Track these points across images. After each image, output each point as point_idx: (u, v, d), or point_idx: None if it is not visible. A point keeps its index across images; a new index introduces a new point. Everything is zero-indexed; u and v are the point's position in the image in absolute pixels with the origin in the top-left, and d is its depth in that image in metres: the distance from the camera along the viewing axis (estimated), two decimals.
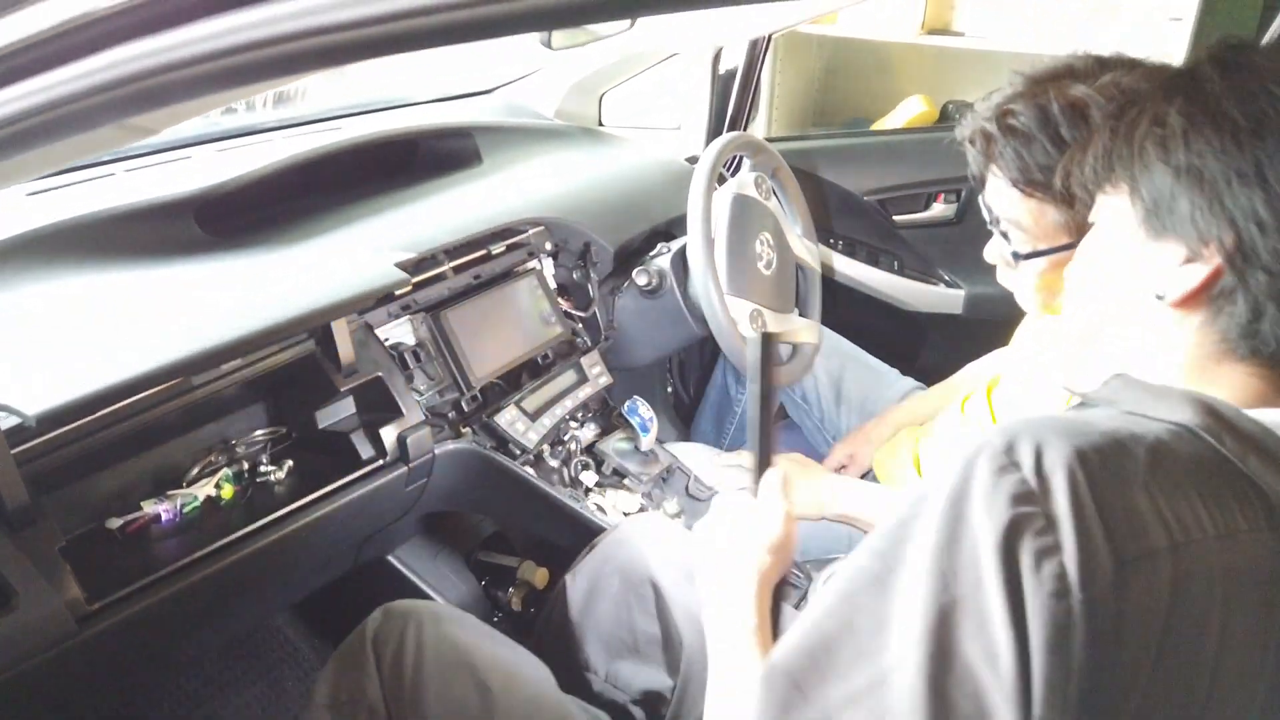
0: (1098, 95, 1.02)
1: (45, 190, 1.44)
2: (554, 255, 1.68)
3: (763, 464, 0.89)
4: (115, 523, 1.09)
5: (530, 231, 1.61)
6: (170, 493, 1.12)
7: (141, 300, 1.19)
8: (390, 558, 1.64)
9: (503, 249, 1.55)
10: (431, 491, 1.38)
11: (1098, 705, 0.51)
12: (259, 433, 1.26)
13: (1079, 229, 0.98)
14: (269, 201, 1.46)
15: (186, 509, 1.12)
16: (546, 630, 1.26)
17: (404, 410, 1.29)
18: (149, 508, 1.11)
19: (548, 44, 1.38)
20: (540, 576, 1.58)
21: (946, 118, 2.62)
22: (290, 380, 1.25)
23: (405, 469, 1.28)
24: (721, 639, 0.80)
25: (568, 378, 1.57)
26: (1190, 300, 0.63)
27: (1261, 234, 0.59)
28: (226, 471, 1.17)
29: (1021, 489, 0.52)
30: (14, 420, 0.94)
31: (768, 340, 0.87)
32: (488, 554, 1.65)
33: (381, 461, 1.26)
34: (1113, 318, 0.70)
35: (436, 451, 1.32)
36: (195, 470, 1.18)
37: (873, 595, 0.56)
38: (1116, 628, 0.51)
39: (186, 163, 1.59)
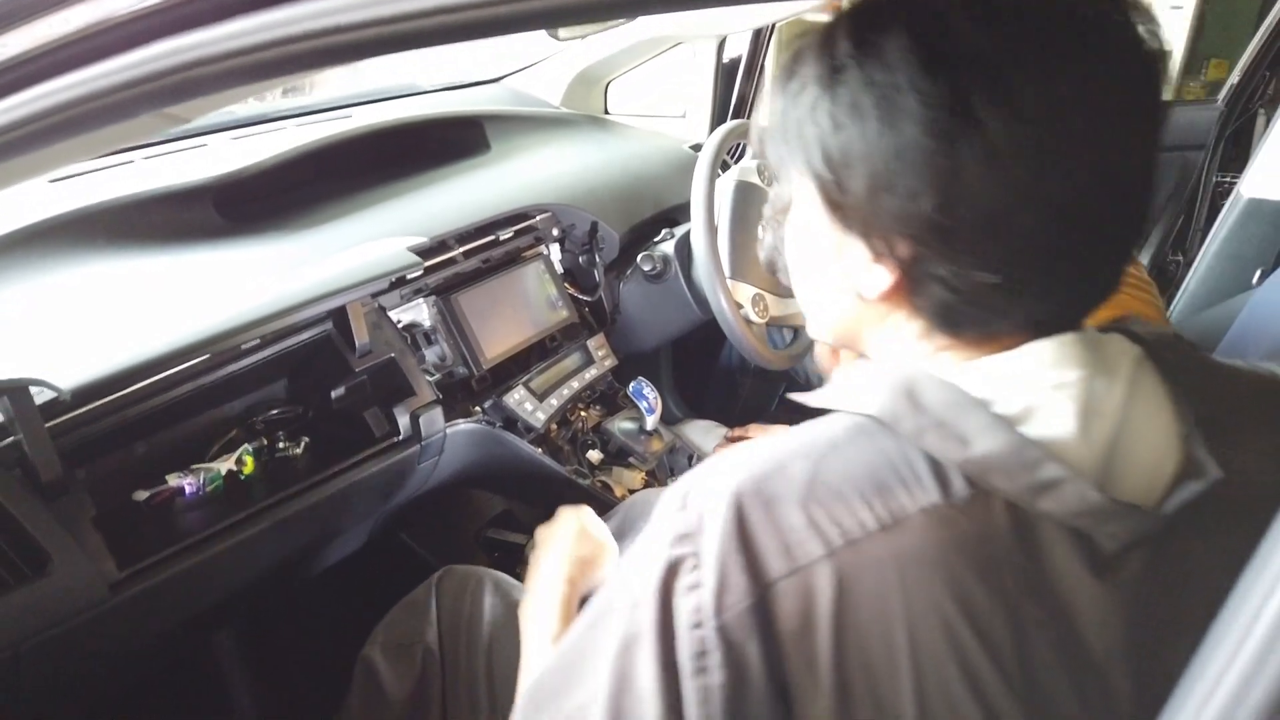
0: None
1: (68, 177, 1.49)
2: (560, 241, 1.72)
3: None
4: (142, 495, 1.13)
5: (538, 217, 1.65)
6: (194, 466, 1.17)
7: (164, 282, 1.24)
8: (403, 535, 1.69)
9: (510, 234, 1.59)
10: (443, 469, 1.42)
11: (769, 710, 0.56)
12: (277, 411, 1.31)
13: None
14: (284, 188, 1.50)
15: (209, 483, 1.17)
16: None
17: (416, 390, 1.34)
18: (174, 481, 1.16)
19: (554, 34, 1.42)
20: None
21: None
22: (307, 361, 1.30)
23: (418, 446, 1.33)
24: (528, 640, 0.90)
25: (574, 360, 1.61)
26: (889, 295, 0.61)
27: (935, 254, 0.57)
28: (247, 447, 1.22)
29: (683, 529, 0.58)
30: (48, 395, 0.99)
31: None
32: (497, 531, 1.70)
33: (395, 439, 1.31)
34: (824, 306, 0.69)
35: (447, 430, 1.37)
36: (217, 447, 1.23)
37: (594, 625, 0.63)
38: (766, 644, 0.55)
39: (203, 150, 1.63)
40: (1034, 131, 0.53)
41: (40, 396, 0.99)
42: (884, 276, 0.60)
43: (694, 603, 0.56)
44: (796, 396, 0.69)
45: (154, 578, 1.05)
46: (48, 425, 1.00)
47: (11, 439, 0.99)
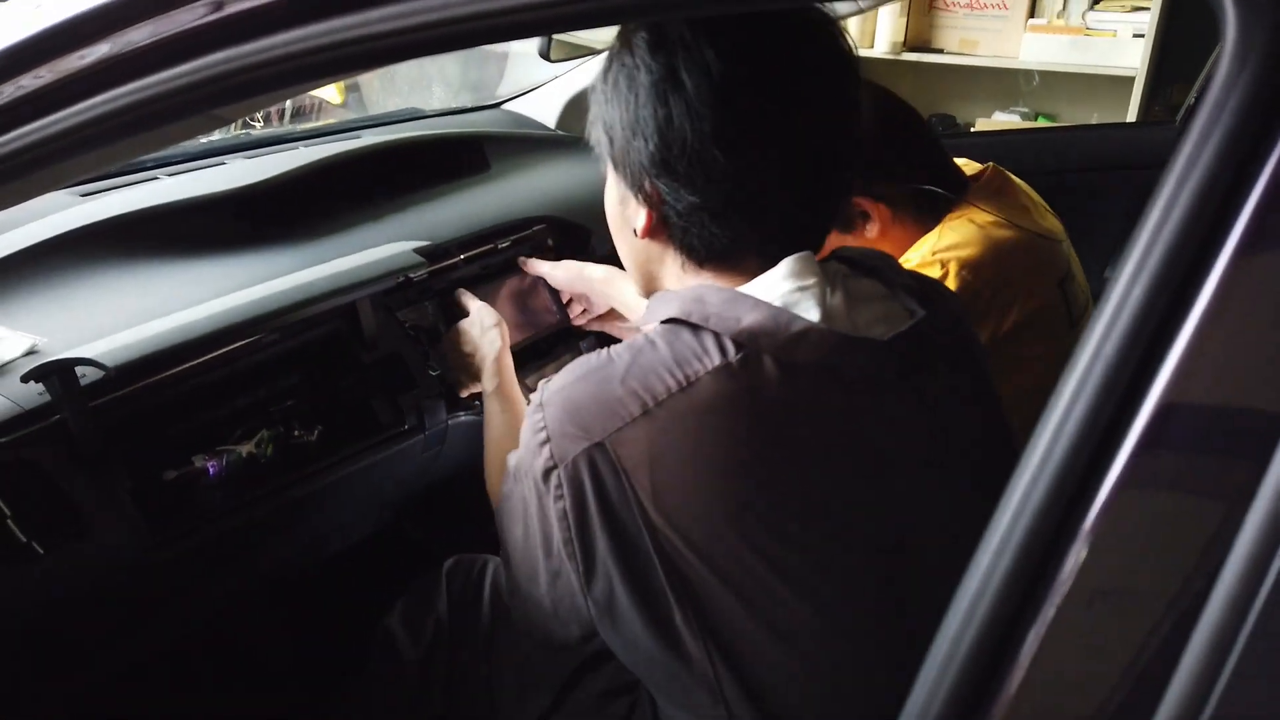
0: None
1: (97, 192, 1.61)
2: (555, 250, 1.83)
3: None
4: (171, 474, 1.24)
5: (534, 228, 1.77)
6: (218, 449, 1.28)
7: (189, 282, 1.35)
8: (406, 528, 1.79)
9: (509, 243, 1.71)
10: (445, 459, 1.53)
11: (614, 526, 0.77)
12: (292, 402, 1.42)
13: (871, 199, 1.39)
14: (298, 200, 1.62)
15: (231, 464, 1.28)
16: None
17: (420, 383, 1.45)
18: (199, 462, 1.26)
19: (546, 56, 1.54)
20: None
21: None
22: (320, 354, 1.41)
23: (421, 436, 1.44)
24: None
25: (569, 358, 1.72)
26: (652, 233, 0.85)
27: (665, 185, 0.81)
28: (265, 432, 1.33)
29: (538, 419, 0.80)
30: (91, 378, 1.10)
31: None
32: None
33: (400, 428, 1.42)
34: (621, 247, 0.95)
35: (449, 421, 1.48)
36: (238, 433, 1.34)
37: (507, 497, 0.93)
38: (598, 483, 0.77)
39: (222, 169, 1.75)
40: (722, 92, 0.75)
41: (83, 379, 1.10)
42: (642, 214, 0.84)
43: (547, 454, 0.79)
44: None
45: (183, 545, 1.16)
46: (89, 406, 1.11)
47: (57, 416, 1.10)
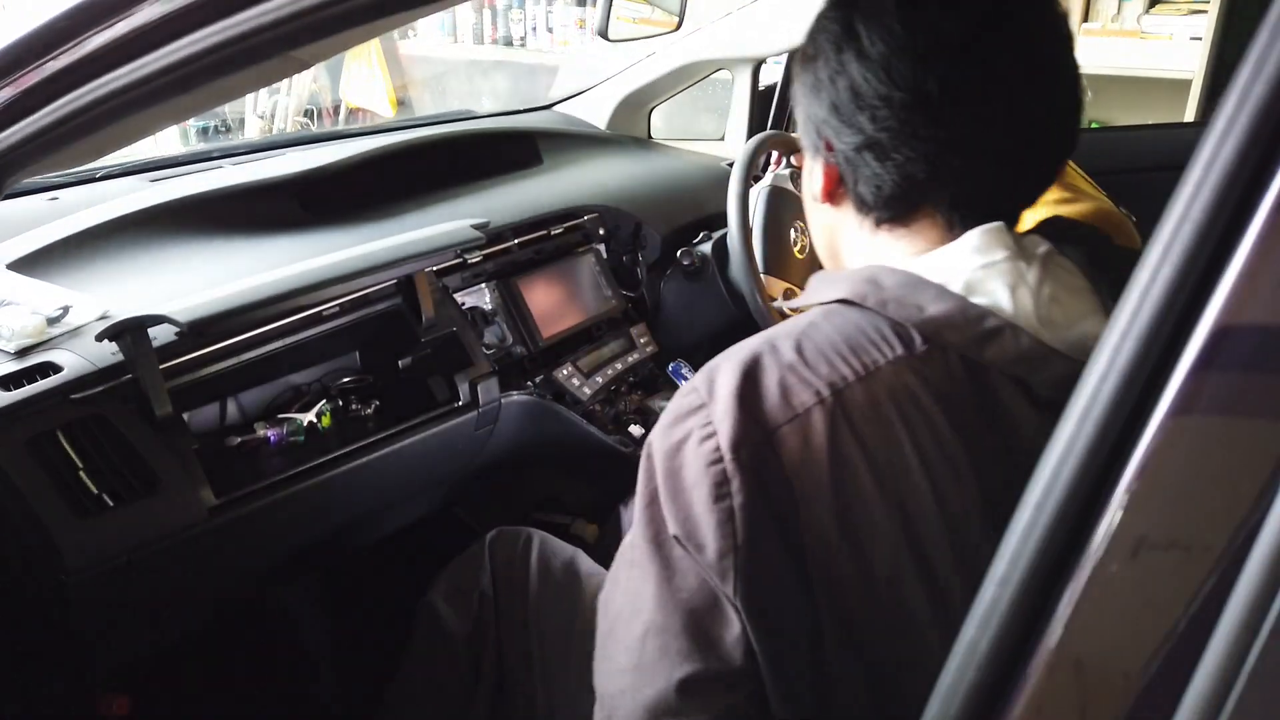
0: None
1: (165, 178, 1.67)
2: (606, 240, 1.85)
3: None
4: (234, 440, 1.27)
5: (586, 217, 1.79)
6: (279, 417, 1.30)
7: (251, 258, 1.39)
8: (457, 511, 1.81)
9: (561, 230, 1.73)
10: (498, 438, 1.55)
11: (781, 532, 0.66)
12: (350, 379, 1.45)
13: None
14: (358, 186, 1.66)
15: (292, 433, 1.31)
16: (599, 557, 1.41)
17: (475, 362, 1.47)
18: (261, 431, 1.29)
19: (604, 35, 1.57)
20: (591, 532, 1.73)
21: None
22: (378, 332, 1.44)
23: (475, 413, 1.46)
24: None
25: (618, 344, 1.74)
26: (831, 194, 0.79)
27: (831, 129, 0.75)
28: (325, 405, 1.35)
29: (696, 403, 0.70)
30: (165, 340, 1.13)
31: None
32: (543, 513, 1.82)
33: (455, 405, 1.44)
34: (812, 223, 0.87)
35: (502, 400, 1.49)
36: (298, 405, 1.37)
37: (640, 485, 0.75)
38: (777, 475, 0.66)
39: (282, 158, 1.80)
40: (891, 42, 0.70)
41: (155, 342, 1.14)
42: (820, 174, 0.78)
43: (711, 446, 0.67)
44: (782, 304, 0.86)
45: (245, 507, 1.19)
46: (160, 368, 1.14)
47: (128, 376, 1.13)
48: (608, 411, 1.69)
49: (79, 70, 0.82)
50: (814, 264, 1.88)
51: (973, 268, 0.71)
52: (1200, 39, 2.76)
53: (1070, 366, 0.67)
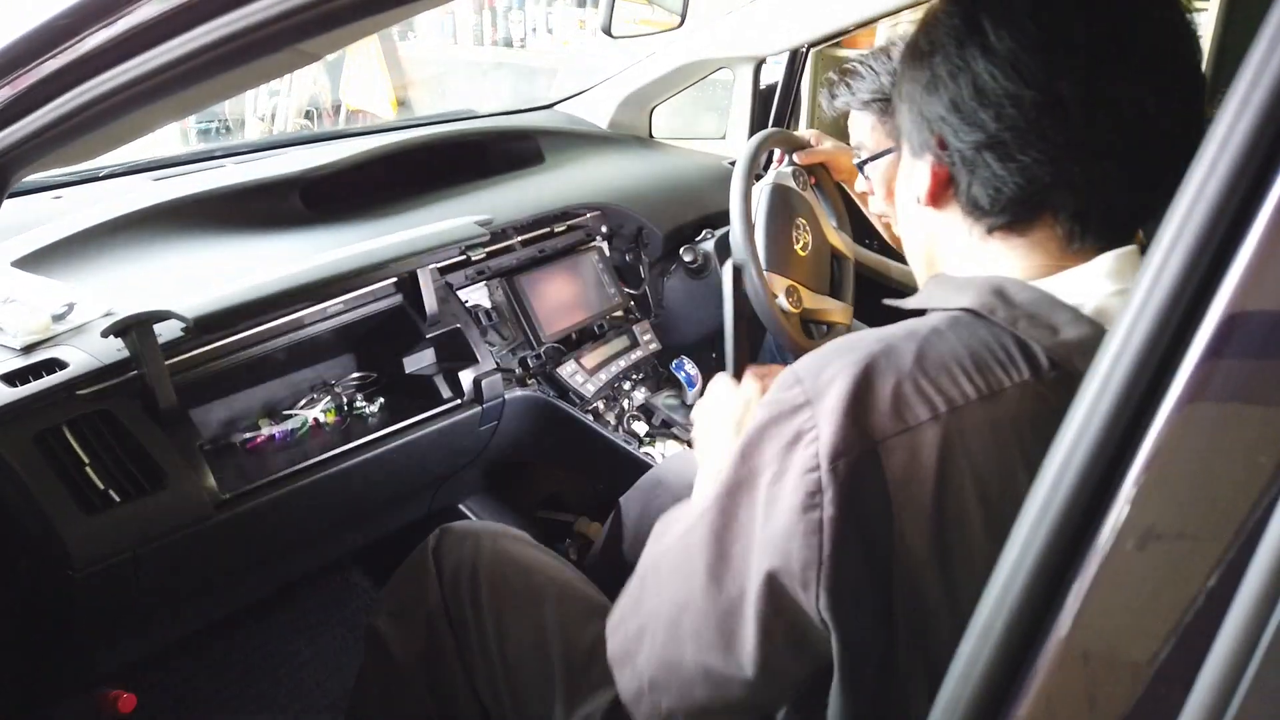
0: (901, 41, 1.30)
1: (169, 177, 1.67)
2: (609, 239, 1.86)
3: (738, 369, 1.04)
4: (239, 438, 1.27)
5: (588, 215, 1.79)
6: (284, 413, 1.31)
7: (255, 255, 1.39)
8: (461, 508, 1.81)
9: (564, 229, 1.74)
10: (501, 435, 1.55)
11: (870, 548, 0.64)
12: (353, 376, 1.45)
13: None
14: (361, 185, 1.66)
15: (297, 429, 1.31)
16: (604, 550, 1.41)
17: (479, 358, 1.47)
18: (266, 428, 1.29)
19: (608, 32, 1.57)
20: (594, 530, 1.73)
21: None
22: (381, 330, 1.44)
23: (479, 409, 1.46)
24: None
25: (621, 342, 1.74)
26: (936, 197, 0.75)
27: (949, 128, 0.71)
28: (329, 402, 1.36)
29: (800, 401, 0.66)
30: (170, 337, 1.14)
31: (738, 272, 1.05)
32: (546, 512, 1.82)
33: (459, 401, 1.44)
34: (906, 227, 0.83)
35: (506, 396, 1.50)
36: (303, 402, 1.36)
37: (728, 462, 0.72)
38: (875, 489, 0.63)
39: (284, 156, 1.80)
40: (1021, 39, 0.67)
41: (160, 339, 1.14)
42: (927, 174, 0.74)
43: (810, 453, 0.64)
44: (890, 302, 0.81)
45: (251, 503, 1.19)
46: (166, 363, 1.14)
47: (135, 372, 1.13)
48: (611, 408, 1.69)
49: (86, 65, 0.82)
50: (817, 261, 1.88)
51: (1106, 293, 0.68)
52: (1202, 36, 2.77)
53: None
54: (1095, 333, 0.65)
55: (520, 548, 1.17)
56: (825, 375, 0.66)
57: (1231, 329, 0.50)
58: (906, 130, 0.77)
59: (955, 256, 0.77)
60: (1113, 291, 0.68)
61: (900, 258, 2.23)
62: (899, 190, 0.82)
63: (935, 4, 0.74)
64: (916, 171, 0.76)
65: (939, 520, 0.63)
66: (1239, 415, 0.50)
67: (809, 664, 0.70)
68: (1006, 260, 0.73)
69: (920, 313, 0.74)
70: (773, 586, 0.67)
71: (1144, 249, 0.72)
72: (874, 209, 1.47)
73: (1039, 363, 0.65)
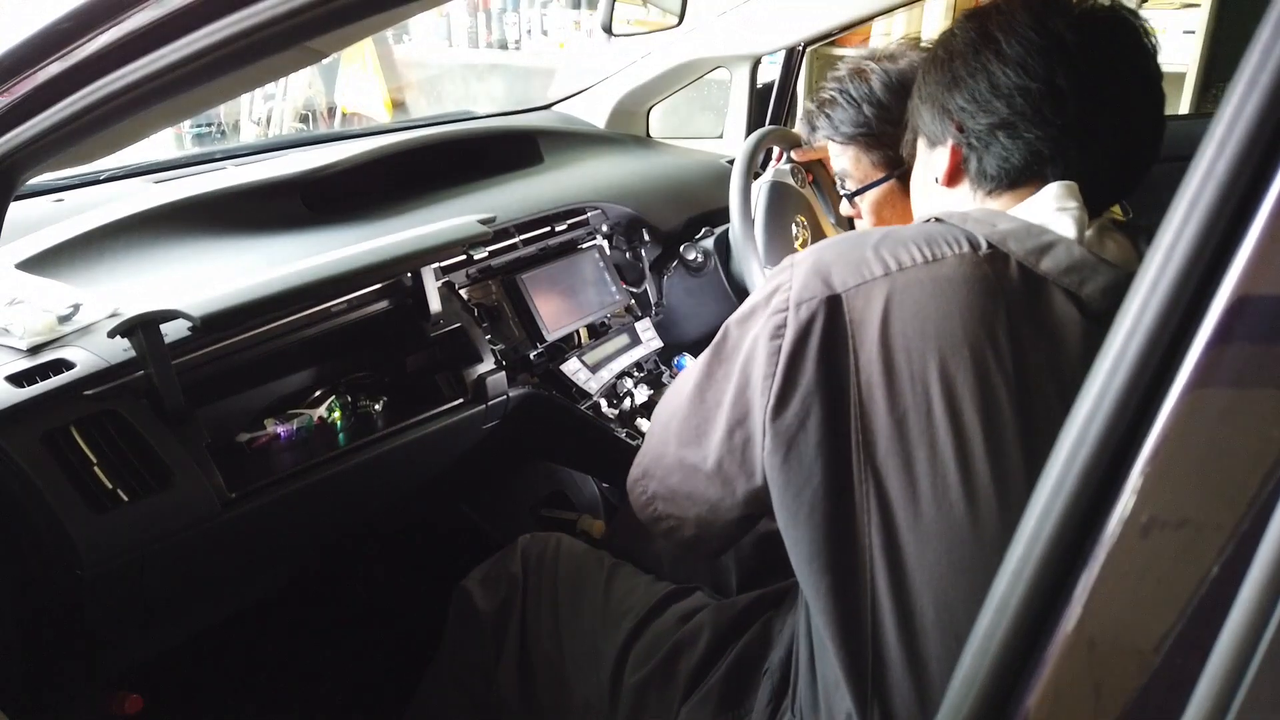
0: (876, 65, 1.35)
1: (169, 179, 1.67)
2: (609, 237, 1.86)
3: None
4: (244, 437, 1.28)
5: (588, 214, 1.80)
6: (289, 412, 1.31)
7: (257, 257, 1.40)
8: (465, 509, 1.81)
9: (565, 227, 1.74)
10: (504, 432, 1.55)
11: (828, 372, 0.80)
12: (358, 375, 1.45)
13: (888, 165, 1.36)
14: (362, 186, 1.66)
15: (302, 428, 1.31)
16: (611, 544, 1.42)
17: (482, 357, 1.48)
18: (271, 427, 1.30)
19: (608, 30, 1.58)
20: (597, 528, 1.73)
21: None
22: (384, 329, 1.44)
23: (483, 407, 1.46)
24: None
25: (623, 339, 1.75)
26: (952, 176, 0.92)
27: (968, 114, 0.89)
28: (334, 401, 1.36)
29: (785, 267, 0.85)
30: (175, 337, 1.14)
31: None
32: (549, 510, 1.82)
33: (462, 399, 1.45)
34: (923, 211, 0.98)
35: (510, 394, 1.50)
36: (308, 401, 1.37)
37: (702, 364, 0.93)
38: (827, 328, 0.80)
39: (284, 158, 1.81)
40: (1026, 45, 0.85)
41: (166, 339, 1.14)
42: (946, 156, 0.92)
43: (782, 299, 0.82)
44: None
45: (258, 500, 1.19)
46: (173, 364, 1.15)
47: (141, 372, 1.13)
48: (614, 405, 1.70)
49: (96, 64, 0.82)
50: None
51: (1049, 210, 0.84)
52: (1194, 32, 2.78)
53: (1118, 276, 0.78)
54: (1023, 224, 0.82)
55: (588, 550, 1.33)
56: (810, 253, 0.85)
57: (1239, 313, 0.51)
58: (925, 123, 0.95)
59: None
60: (1055, 209, 0.83)
61: None
62: (917, 176, 0.99)
63: (952, 24, 0.93)
64: (935, 157, 0.94)
65: (888, 354, 0.78)
66: (1247, 400, 0.51)
67: (745, 484, 0.88)
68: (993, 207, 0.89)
69: None
70: (738, 399, 0.86)
71: (1122, 223, 0.90)
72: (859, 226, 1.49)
73: (978, 243, 0.81)
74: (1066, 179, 0.86)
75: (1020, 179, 0.88)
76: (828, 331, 0.80)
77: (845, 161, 1.41)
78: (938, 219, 0.85)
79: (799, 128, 1.49)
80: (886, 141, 1.38)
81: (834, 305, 0.80)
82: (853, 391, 0.79)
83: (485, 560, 1.35)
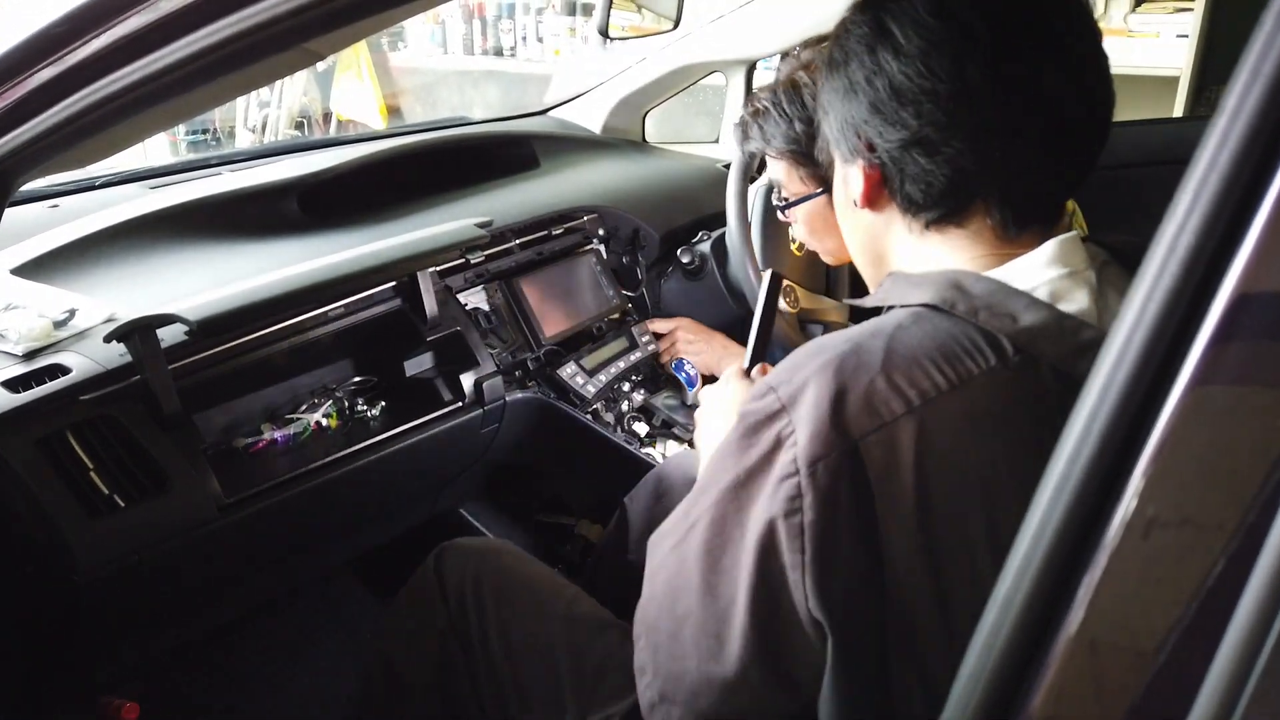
0: (810, 77, 1.26)
1: (165, 185, 1.67)
2: (605, 242, 1.86)
3: (752, 364, 1.09)
4: (241, 442, 1.27)
5: (585, 218, 1.80)
6: (286, 417, 1.30)
7: (255, 261, 1.39)
8: (463, 513, 1.81)
9: (561, 231, 1.74)
10: (503, 437, 1.55)
11: (856, 546, 0.65)
12: (357, 380, 1.45)
13: (818, 180, 1.26)
14: (358, 190, 1.66)
15: (299, 433, 1.31)
16: (608, 550, 1.41)
17: (480, 361, 1.47)
18: (268, 432, 1.29)
19: (604, 34, 1.58)
20: (595, 532, 1.73)
21: None
22: (381, 334, 1.44)
23: (480, 411, 1.46)
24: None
25: (620, 343, 1.75)
26: (872, 198, 0.78)
27: (873, 130, 0.74)
28: (331, 406, 1.35)
29: (775, 408, 0.68)
30: (171, 341, 1.14)
31: (776, 279, 1.09)
32: (548, 514, 1.82)
33: (460, 404, 1.44)
34: (848, 231, 0.85)
35: (507, 398, 1.50)
36: (305, 406, 1.36)
37: (711, 471, 0.75)
38: (856, 489, 0.64)
39: (279, 164, 1.80)
40: (928, 36, 0.70)
41: (163, 341, 1.14)
42: (859, 177, 0.77)
43: (789, 458, 0.66)
44: (851, 301, 0.84)
45: (255, 506, 1.19)
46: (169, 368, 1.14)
47: (138, 377, 1.13)
48: (611, 409, 1.70)
49: (90, 68, 0.82)
50: (812, 261, 1.89)
51: (1053, 277, 0.71)
52: (1186, 36, 2.79)
53: None
54: (1052, 316, 0.68)
55: (523, 565, 1.17)
56: (798, 380, 0.68)
57: (1240, 311, 0.51)
58: (834, 138, 0.80)
59: (899, 253, 0.80)
60: (1060, 275, 0.71)
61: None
62: (836, 195, 0.85)
63: (843, 17, 0.78)
64: (850, 176, 0.79)
65: (924, 512, 0.64)
66: (1249, 398, 0.50)
67: (802, 670, 0.71)
68: (949, 254, 0.76)
69: (879, 311, 0.77)
70: (763, 591, 0.69)
71: (1118, 249, 0.78)
72: (798, 238, 1.44)
73: (1004, 349, 0.67)
74: (1005, 199, 0.73)
75: (953, 205, 0.74)
76: (853, 493, 0.65)
77: (778, 172, 1.34)
78: (932, 305, 0.70)
79: (732, 134, 1.43)
80: (819, 157, 1.35)
81: (854, 459, 0.65)
82: (887, 563, 0.65)
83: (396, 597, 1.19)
